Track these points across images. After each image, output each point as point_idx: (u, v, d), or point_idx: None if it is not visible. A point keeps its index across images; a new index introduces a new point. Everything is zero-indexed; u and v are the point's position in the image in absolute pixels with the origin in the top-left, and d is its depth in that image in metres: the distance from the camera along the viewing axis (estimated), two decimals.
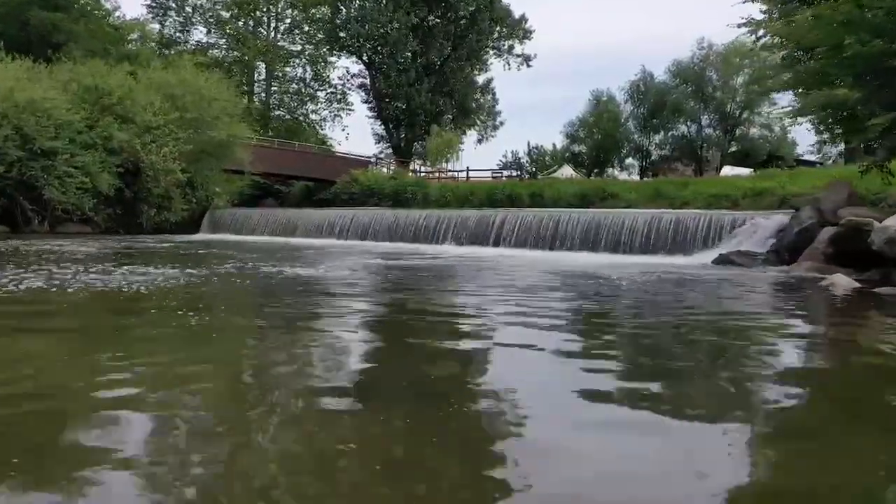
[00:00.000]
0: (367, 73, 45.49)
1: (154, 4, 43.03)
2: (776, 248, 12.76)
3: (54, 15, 30.22)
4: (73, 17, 31.29)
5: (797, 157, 41.62)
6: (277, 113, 46.74)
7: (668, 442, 2.78)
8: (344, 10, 43.16)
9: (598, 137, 47.41)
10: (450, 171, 39.26)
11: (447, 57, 43.90)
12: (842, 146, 31.88)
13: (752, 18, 12.89)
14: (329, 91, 47.54)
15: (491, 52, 46.56)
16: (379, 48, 42.54)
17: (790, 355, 4.80)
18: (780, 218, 13.90)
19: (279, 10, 45.90)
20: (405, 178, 33.54)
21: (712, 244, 14.11)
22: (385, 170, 37.59)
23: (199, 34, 45.19)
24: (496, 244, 17.58)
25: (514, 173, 43.73)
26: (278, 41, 46.02)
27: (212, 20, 44.90)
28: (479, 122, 49.39)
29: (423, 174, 38.66)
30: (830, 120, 13.13)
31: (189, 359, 4.16)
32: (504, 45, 46.66)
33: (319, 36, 45.21)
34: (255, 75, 46.36)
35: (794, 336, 5.62)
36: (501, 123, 50.37)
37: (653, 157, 47.54)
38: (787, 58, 13.29)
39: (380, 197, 30.39)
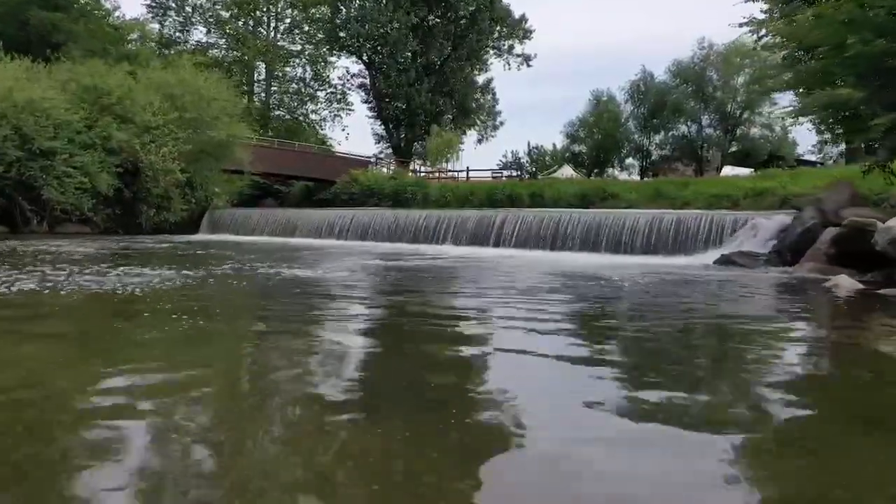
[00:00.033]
0: (367, 73, 45.47)
1: (154, 4, 43.02)
2: (778, 249, 12.68)
3: (54, 15, 30.15)
4: (72, 17, 31.23)
5: (798, 157, 41.61)
6: (277, 113, 46.71)
7: (672, 453, 2.71)
8: (344, 9, 43.13)
9: (599, 137, 47.41)
10: (450, 171, 39.23)
11: (447, 57, 43.85)
12: (843, 146, 31.87)
13: (754, 18, 12.85)
14: (329, 91, 47.59)
15: (491, 52, 46.57)
16: (379, 48, 42.50)
17: (797, 361, 4.72)
18: (781, 218, 13.82)
19: (279, 9, 45.88)
20: (405, 178, 33.49)
21: (714, 245, 14.03)
22: (385, 170, 37.54)
23: (198, 34, 45.27)
24: (496, 245, 17.51)
25: (514, 173, 43.71)
26: (278, 41, 46.00)
27: (211, 20, 44.89)
28: (479, 122, 49.37)
29: (423, 174, 38.61)
30: (832, 120, 13.06)
31: (180, 365, 4.05)
32: (504, 45, 46.66)
33: (319, 36, 45.18)
34: (255, 75, 46.35)
35: (801, 340, 5.55)
36: (501, 123, 50.42)
37: (653, 157, 47.54)
38: (788, 57, 13.24)
39: (380, 197, 30.33)
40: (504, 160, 54.11)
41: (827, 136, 28.41)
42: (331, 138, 48.18)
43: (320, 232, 22.06)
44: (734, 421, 3.13)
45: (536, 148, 55.93)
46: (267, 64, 45.38)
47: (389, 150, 46.17)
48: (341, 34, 42.80)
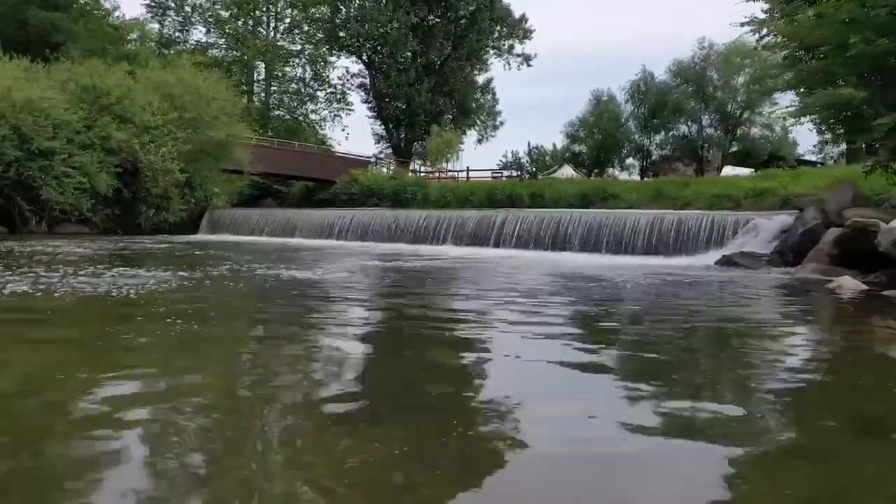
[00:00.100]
0: (366, 72, 45.38)
1: (153, 4, 42.94)
2: (780, 250, 12.61)
3: (53, 14, 30.09)
4: (72, 17, 31.17)
5: (798, 157, 41.51)
6: (277, 113, 46.64)
7: (674, 460, 2.65)
8: (343, 9, 43.05)
9: (599, 137, 47.32)
10: (450, 171, 39.14)
11: (447, 57, 43.77)
12: (843, 146, 31.82)
13: (755, 17, 12.79)
14: (329, 91, 47.49)
15: (491, 52, 46.48)
16: (379, 48, 42.43)
17: (802, 366, 4.63)
18: (783, 219, 13.75)
19: (279, 9, 45.80)
20: (405, 178, 33.41)
21: (715, 245, 13.97)
22: (385, 170, 37.47)
23: (198, 34, 45.18)
24: (496, 245, 17.45)
25: (515, 173, 43.63)
26: (278, 41, 45.92)
27: (211, 20, 44.82)
28: (479, 122, 49.29)
29: (422, 174, 38.53)
30: (832, 120, 13.00)
31: (171, 372, 3.94)
32: (504, 45, 46.57)
33: (319, 35, 45.10)
34: (255, 75, 46.27)
35: (806, 344, 5.48)
36: (501, 123, 50.32)
37: (653, 157, 47.46)
38: (789, 57, 13.17)
39: (379, 197, 30.26)
40: (504, 160, 54.06)
41: (828, 136, 28.42)
42: (331, 138, 48.19)
43: (320, 232, 22.00)
44: (736, 426, 3.06)
45: (536, 148, 55.89)
46: (267, 64, 45.31)
47: (389, 150, 46.09)
48: (341, 34, 42.73)
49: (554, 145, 53.65)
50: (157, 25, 43.14)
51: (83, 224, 22.10)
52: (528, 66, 46.91)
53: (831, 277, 9.50)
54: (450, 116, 45.69)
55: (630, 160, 48.90)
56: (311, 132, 46.11)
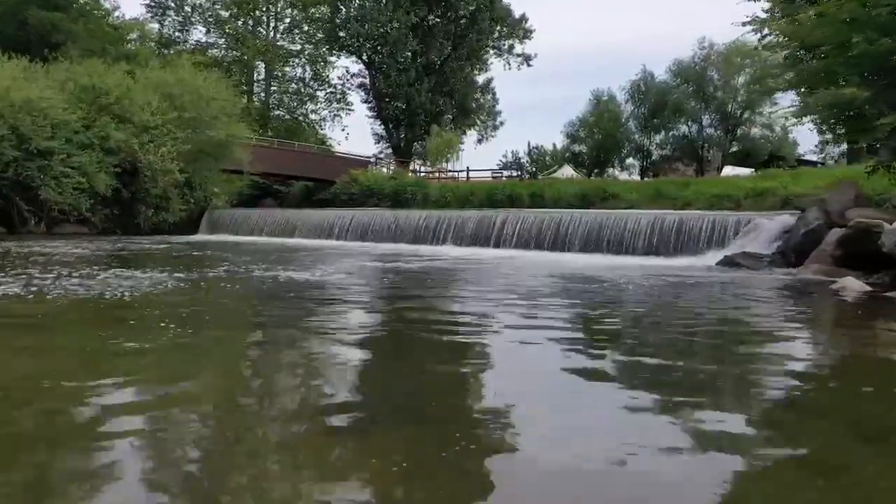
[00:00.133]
0: (366, 72, 45.32)
1: (153, 4, 42.88)
2: (782, 250, 12.54)
3: (53, 14, 30.02)
4: (72, 17, 31.10)
5: (798, 157, 41.45)
6: (277, 113, 46.57)
7: (676, 472, 2.58)
8: (343, 9, 42.98)
9: (599, 137, 47.26)
10: (450, 171, 39.07)
11: (447, 56, 43.70)
12: (844, 146, 31.73)
13: (757, 17, 12.73)
14: (329, 91, 47.42)
15: (491, 52, 46.41)
16: (379, 48, 42.36)
17: (812, 374, 4.55)
18: (784, 219, 13.69)
19: (279, 9, 45.74)
20: (405, 178, 33.34)
21: (716, 245, 13.90)
22: (385, 170, 37.40)
23: (198, 34, 45.12)
24: (497, 245, 17.38)
25: (515, 173, 43.58)
26: (278, 41, 45.86)
27: (211, 20, 44.76)
28: (479, 121, 49.21)
29: (422, 174, 38.47)
30: (833, 120, 12.93)
31: (162, 379, 3.83)
32: (504, 45, 46.50)
33: (319, 35, 45.03)
34: (255, 75, 46.21)
35: (814, 351, 5.41)
36: (501, 123, 50.23)
37: (653, 157, 47.40)
38: (790, 57, 13.11)
39: (379, 197, 30.19)
40: (504, 160, 54.02)
41: (828, 136, 28.31)
42: (330, 138, 48.12)
43: (320, 232, 21.93)
44: (743, 437, 3.00)
45: (536, 148, 55.85)
46: (266, 64, 45.24)
47: (389, 150, 46.02)
48: (341, 34, 42.66)
49: (554, 145, 53.66)
50: (156, 25, 43.16)
51: (82, 224, 22.03)
52: (528, 66, 46.90)
53: (834, 278, 9.43)
54: (450, 116, 45.62)
55: (630, 160, 48.87)
56: (311, 132, 46.05)
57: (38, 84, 21.43)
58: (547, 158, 53.38)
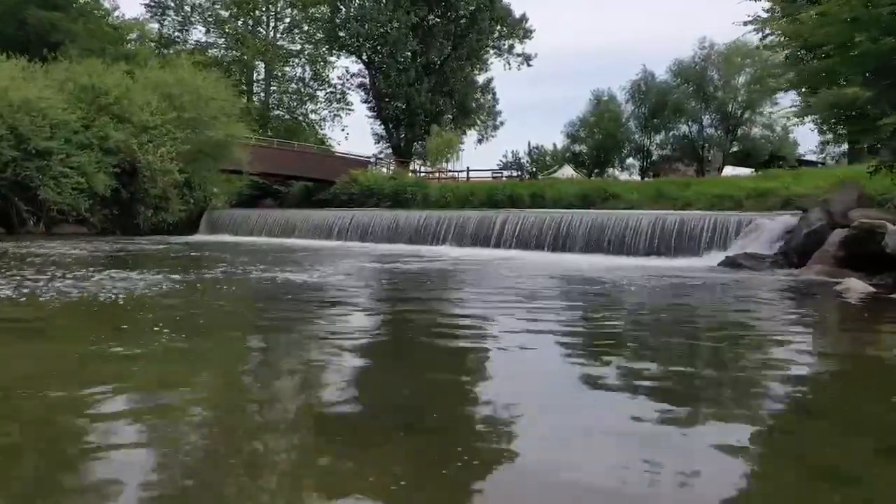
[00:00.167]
0: (366, 72, 45.25)
1: (153, 4, 42.82)
2: (784, 251, 12.47)
3: (52, 14, 29.94)
4: (71, 17, 31.03)
5: (799, 158, 41.40)
6: (276, 113, 46.51)
7: (678, 480, 2.51)
8: (343, 9, 42.91)
9: (599, 137, 47.24)
10: (450, 171, 39.00)
11: (447, 56, 43.64)
12: (845, 146, 31.67)
13: (758, 16, 12.66)
14: (328, 91, 47.35)
15: (491, 52, 46.32)
16: (379, 48, 42.30)
17: (817, 378, 4.48)
18: (786, 219, 13.61)
19: (278, 9, 45.67)
20: (405, 178, 33.28)
21: (718, 246, 13.82)
22: (385, 170, 37.33)
23: (198, 34, 45.06)
24: (497, 246, 17.31)
25: (515, 173, 43.52)
26: (277, 41, 45.80)
27: (211, 19, 44.70)
28: (479, 121, 49.13)
29: (422, 174, 38.40)
30: (834, 120, 12.86)
31: (152, 386, 3.74)
32: (504, 45, 46.41)
33: (319, 35, 44.97)
34: (255, 75, 46.16)
35: (819, 354, 5.35)
36: (501, 123, 50.14)
37: (654, 158, 47.38)
38: (791, 57, 13.05)
39: (379, 197, 30.12)
40: (504, 160, 53.97)
41: (829, 136, 28.24)
42: (330, 138, 48.04)
43: (319, 233, 21.86)
44: (751, 443, 2.93)
45: (537, 148, 55.81)
46: (266, 63, 45.19)
47: (389, 150, 45.95)
48: (341, 34, 42.60)
49: (554, 145, 53.63)
50: (156, 25, 43.10)
51: (81, 224, 21.96)
52: (529, 66, 46.80)
53: (837, 280, 9.35)
54: (450, 116, 45.55)
55: (630, 160, 48.87)
56: (311, 132, 45.99)
57: (37, 84, 21.36)
58: (547, 158, 53.34)
